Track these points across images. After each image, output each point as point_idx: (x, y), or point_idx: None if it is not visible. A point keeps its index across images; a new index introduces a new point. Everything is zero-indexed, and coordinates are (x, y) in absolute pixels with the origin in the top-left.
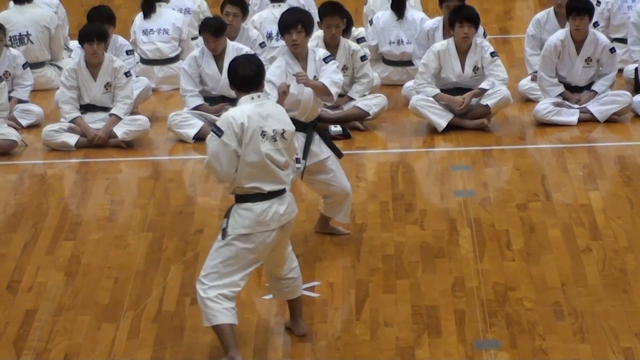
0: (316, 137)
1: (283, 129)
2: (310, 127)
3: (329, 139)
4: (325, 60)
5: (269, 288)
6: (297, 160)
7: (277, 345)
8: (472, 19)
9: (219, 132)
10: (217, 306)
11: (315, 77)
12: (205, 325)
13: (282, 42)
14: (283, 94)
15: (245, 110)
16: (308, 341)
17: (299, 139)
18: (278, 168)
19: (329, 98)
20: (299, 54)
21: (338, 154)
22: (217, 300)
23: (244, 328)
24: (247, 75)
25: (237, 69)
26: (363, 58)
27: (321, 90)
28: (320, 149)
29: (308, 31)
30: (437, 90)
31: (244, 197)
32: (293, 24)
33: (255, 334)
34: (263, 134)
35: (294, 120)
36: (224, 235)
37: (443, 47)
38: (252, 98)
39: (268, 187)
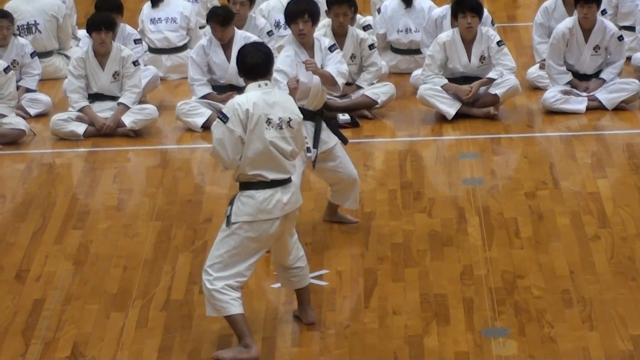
0: (323, 125)
1: (289, 117)
2: (318, 115)
3: (334, 126)
4: (330, 49)
5: (277, 277)
6: (308, 150)
7: (286, 333)
8: (475, 9)
9: (224, 118)
10: (225, 297)
11: (321, 66)
12: (209, 315)
13: (289, 31)
14: (294, 90)
15: (252, 97)
16: (317, 329)
17: (308, 128)
18: (283, 157)
19: (335, 88)
20: (306, 44)
21: (343, 140)
22: (224, 292)
23: (253, 316)
24: (255, 63)
25: (245, 57)
26: (371, 46)
27: (328, 80)
28: (328, 136)
29: (314, 20)
30: (445, 80)
31: (247, 185)
32: (299, 13)
33: (263, 323)
34: (268, 121)
35: (302, 109)
36: (228, 222)
37: (448, 37)
38: (260, 85)
39: (272, 176)
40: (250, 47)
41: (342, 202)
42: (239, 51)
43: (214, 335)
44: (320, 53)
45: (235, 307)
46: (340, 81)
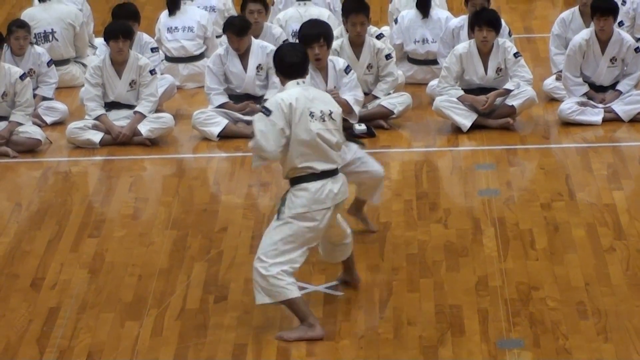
0: None
1: (330, 110)
2: None
3: (351, 136)
4: (346, 71)
5: (320, 249)
6: None
7: (301, 343)
8: (492, 23)
9: (267, 112)
10: (282, 282)
11: (335, 87)
12: (260, 302)
13: None
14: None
15: (293, 93)
16: (331, 339)
17: None
18: (330, 148)
19: (352, 116)
20: (320, 67)
21: (360, 143)
22: (280, 277)
23: (268, 327)
24: (293, 63)
25: (283, 57)
26: (388, 56)
27: (345, 107)
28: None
29: (329, 44)
30: (461, 92)
31: (298, 179)
32: (315, 38)
33: (278, 331)
34: (312, 114)
35: None
36: (280, 216)
37: (465, 49)
38: (298, 83)
39: (321, 167)
40: (287, 47)
41: (367, 197)
42: (276, 51)
43: (229, 345)
44: (334, 74)
45: (291, 292)
46: (357, 109)
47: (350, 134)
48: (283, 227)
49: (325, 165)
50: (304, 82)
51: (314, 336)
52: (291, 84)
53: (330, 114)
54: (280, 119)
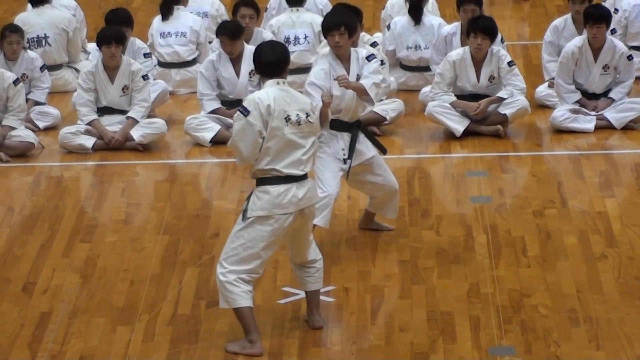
0: (361, 136)
1: (307, 113)
2: (354, 126)
3: (372, 136)
4: (368, 58)
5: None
6: (344, 161)
7: (292, 349)
8: (487, 31)
9: (245, 111)
10: (237, 289)
11: (358, 76)
12: (222, 307)
13: (298, 47)
14: (328, 105)
15: (272, 92)
16: (323, 346)
17: (345, 139)
18: (300, 153)
19: (369, 100)
20: (342, 56)
21: (382, 149)
22: (235, 284)
23: (260, 331)
24: (269, 61)
25: (261, 55)
26: (381, 63)
27: (362, 92)
28: (366, 147)
29: (351, 33)
30: (453, 97)
31: (262, 180)
32: (336, 26)
33: (270, 338)
34: (287, 118)
35: (338, 121)
36: (244, 217)
37: (459, 56)
38: (278, 83)
39: (287, 170)
40: (266, 46)
41: (382, 212)
42: (256, 49)
43: (221, 350)
44: (356, 64)
45: (244, 300)
46: (374, 92)
47: (369, 133)
48: (243, 232)
49: (291, 170)
50: (284, 83)
51: (252, 353)
52: (270, 82)
53: (307, 117)
54: (258, 119)
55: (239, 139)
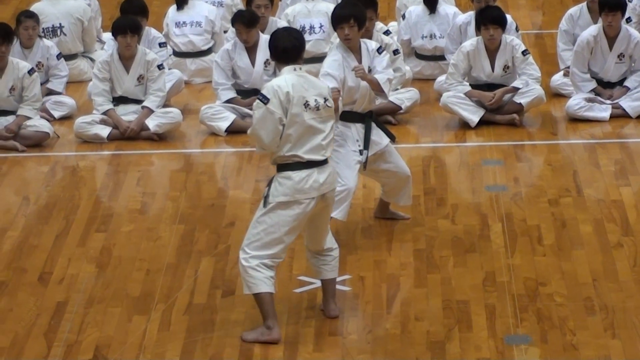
0: (373, 126)
1: (325, 98)
2: (367, 117)
3: (382, 124)
4: (378, 51)
5: (310, 265)
6: (360, 152)
7: (308, 338)
8: (497, 20)
9: (264, 99)
10: (259, 275)
11: (369, 68)
12: (245, 293)
13: (313, 36)
14: (335, 100)
15: (289, 79)
16: (339, 334)
17: (359, 130)
18: (320, 138)
19: (382, 95)
20: (352, 47)
21: (391, 136)
22: (258, 269)
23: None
24: (286, 47)
25: (277, 41)
26: (395, 52)
27: (375, 86)
28: (379, 137)
29: (361, 25)
30: (468, 87)
31: (284, 166)
32: (345, 18)
33: (285, 327)
34: (306, 103)
35: (351, 112)
36: (265, 203)
37: (472, 46)
38: (294, 69)
39: (308, 156)
40: (281, 32)
41: (395, 200)
42: (271, 36)
43: (236, 339)
44: (367, 56)
45: (265, 286)
46: (387, 88)
47: (379, 122)
48: (265, 217)
49: (312, 155)
50: (300, 69)
51: (269, 339)
52: (287, 69)
53: (325, 101)
54: (278, 107)
55: (260, 127)
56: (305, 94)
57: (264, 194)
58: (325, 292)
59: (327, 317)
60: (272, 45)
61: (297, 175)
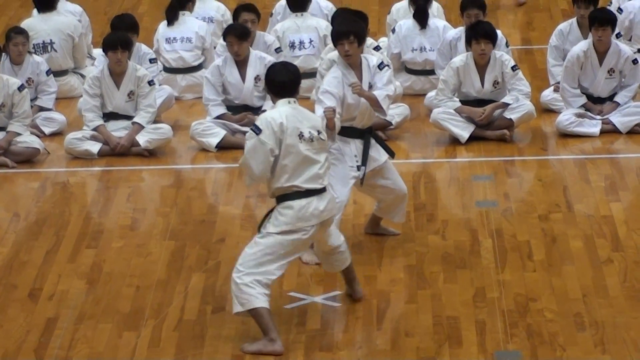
0: (372, 142)
1: (318, 130)
2: (366, 133)
3: (381, 140)
4: (379, 67)
5: (321, 262)
6: (358, 168)
7: (299, 353)
8: (489, 35)
9: (257, 130)
10: (252, 291)
11: (369, 84)
12: (235, 311)
13: (303, 52)
14: (330, 120)
15: (283, 111)
16: (329, 350)
17: (357, 146)
18: (316, 168)
19: (381, 111)
20: (353, 63)
21: (391, 153)
22: (251, 285)
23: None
24: (282, 82)
25: (274, 75)
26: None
27: (374, 103)
28: (378, 153)
29: (360, 41)
30: (458, 103)
31: (283, 197)
32: (345, 34)
33: None
34: (301, 135)
35: (350, 128)
36: (260, 231)
37: (462, 62)
38: (289, 102)
39: (306, 185)
40: (279, 66)
41: (390, 216)
42: (268, 70)
43: (227, 356)
44: (368, 71)
45: (260, 301)
46: (386, 105)
47: (378, 137)
48: (264, 240)
49: (310, 184)
50: (295, 102)
51: (273, 351)
52: (282, 102)
53: (318, 134)
54: (270, 138)
55: (250, 156)
56: (299, 125)
57: (258, 224)
58: (347, 279)
59: (356, 300)
60: (270, 78)
61: (297, 203)
